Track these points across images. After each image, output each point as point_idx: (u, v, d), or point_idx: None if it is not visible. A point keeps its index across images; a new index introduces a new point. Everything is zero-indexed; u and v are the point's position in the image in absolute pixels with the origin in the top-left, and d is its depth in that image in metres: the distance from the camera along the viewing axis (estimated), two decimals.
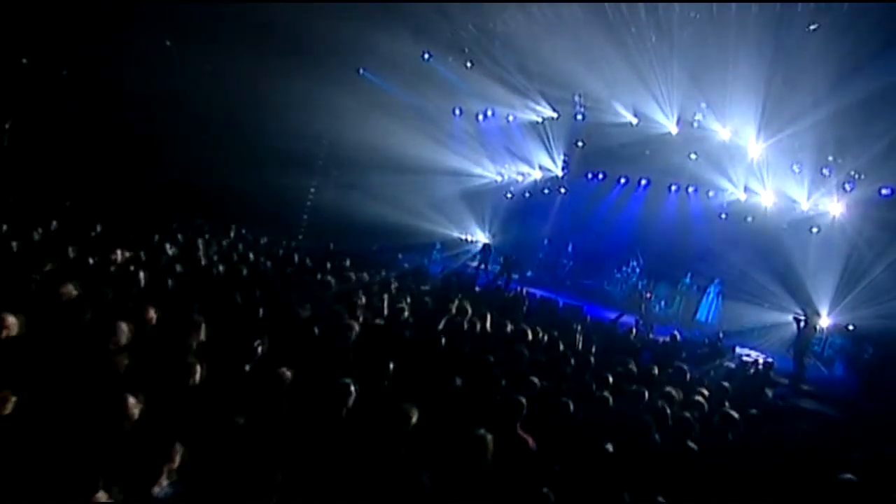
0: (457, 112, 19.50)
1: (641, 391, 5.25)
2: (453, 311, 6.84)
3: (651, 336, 11.53)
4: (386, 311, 6.54)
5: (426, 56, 15.16)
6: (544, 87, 15.60)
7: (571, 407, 4.33)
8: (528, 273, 19.53)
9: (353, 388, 3.69)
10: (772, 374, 9.29)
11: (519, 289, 11.86)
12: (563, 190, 21.54)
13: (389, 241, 18.12)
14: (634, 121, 15.69)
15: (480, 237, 22.41)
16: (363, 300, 6.60)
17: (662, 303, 17.07)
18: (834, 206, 15.35)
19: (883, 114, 12.39)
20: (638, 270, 17.91)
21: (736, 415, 4.93)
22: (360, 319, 5.84)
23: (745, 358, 9.48)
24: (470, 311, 6.94)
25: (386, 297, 7.04)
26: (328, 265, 9.15)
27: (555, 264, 19.02)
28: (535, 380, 4.58)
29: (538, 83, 15.37)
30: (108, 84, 13.26)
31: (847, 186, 14.25)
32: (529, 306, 10.19)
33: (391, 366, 4.45)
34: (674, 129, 15.33)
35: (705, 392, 5.84)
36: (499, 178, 22.25)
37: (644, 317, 12.61)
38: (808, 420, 7.43)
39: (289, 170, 14.97)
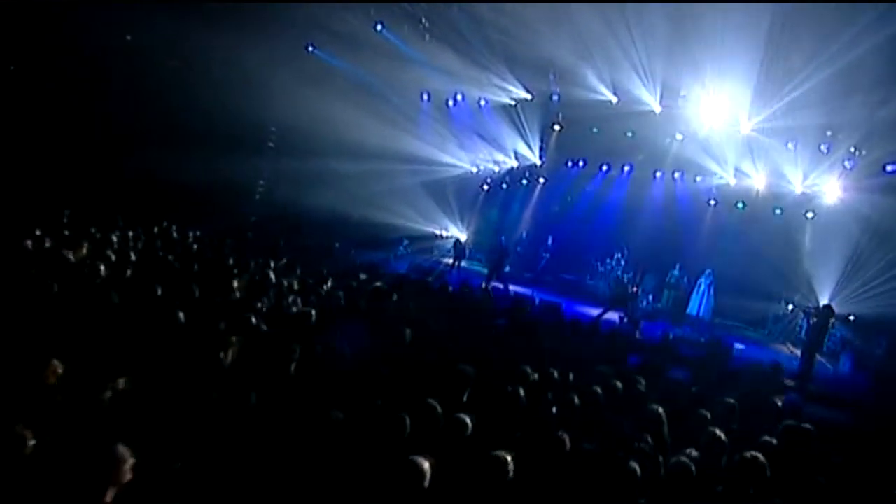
0: (424, 97, 18.03)
1: (620, 422, 3.83)
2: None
3: (638, 336, 10.15)
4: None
5: (379, 27, 13.63)
6: (512, 63, 14.17)
7: (511, 467, 2.82)
8: (506, 269, 18.18)
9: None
10: (781, 377, 7.95)
11: (484, 286, 10.39)
12: (542, 180, 20.26)
13: (352, 236, 16.69)
14: (614, 99, 14.32)
15: (455, 232, 21.02)
16: (267, 304, 5.12)
17: (650, 297, 15.76)
18: (831, 188, 14.12)
19: (887, 82, 11.14)
20: (623, 263, 16.58)
21: (756, 456, 3.50)
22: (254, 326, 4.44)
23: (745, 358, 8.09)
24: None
25: (298, 300, 5.56)
26: (253, 263, 7.61)
27: (533, 259, 17.61)
28: (466, 418, 3.12)
29: (505, 58, 13.93)
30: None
31: (847, 164, 13.00)
32: (495, 307, 8.73)
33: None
34: (657, 108, 13.99)
35: (707, 415, 4.43)
36: (474, 169, 20.85)
37: (630, 314, 11.23)
38: (830, 436, 6.07)
39: (234, 157, 13.36)
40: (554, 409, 3.91)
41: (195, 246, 7.62)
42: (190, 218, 11.68)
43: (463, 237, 21.73)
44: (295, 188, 14.48)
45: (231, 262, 6.88)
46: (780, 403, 6.92)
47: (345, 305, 6.07)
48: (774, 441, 4.07)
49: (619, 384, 4.75)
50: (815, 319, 10.29)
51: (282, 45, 13.02)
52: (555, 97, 15.60)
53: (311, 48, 14.12)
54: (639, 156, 15.94)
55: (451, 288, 9.59)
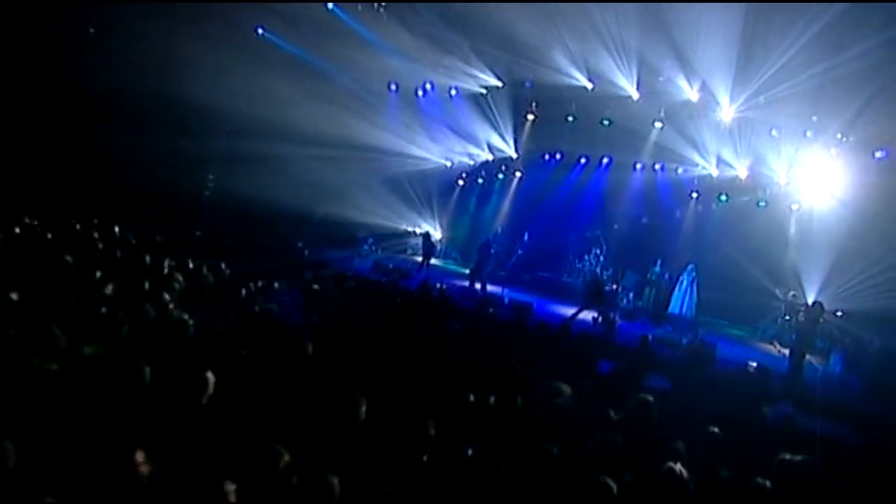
0: (392, 87, 17.03)
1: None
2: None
3: (613, 339, 9.28)
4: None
5: (329, 5, 12.59)
6: (480, 47, 13.23)
7: None
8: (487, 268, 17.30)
9: None
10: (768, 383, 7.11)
11: (439, 286, 9.43)
12: (518, 173, 19.41)
13: (316, 233, 15.69)
14: (589, 85, 13.46)
15: (429, 229, 20.06)
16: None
17: (630, 295, 14.94)
18: (817, 177, 13.42)
19: (875, 63, 10.41)
20: (602, 259, 15.76)
21: None
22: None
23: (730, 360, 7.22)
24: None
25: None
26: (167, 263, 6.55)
27: (509, 256, 16.70)
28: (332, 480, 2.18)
29: (472, 42, 13.01)
30: None
31: (834, 151, 12.29)
32: (453, 308, 7.78)
33: None
34: (634, 94, 13.16)
35: (682, 450, 3.48)
36: (448, 164, 19.92)
37: (604, 313, 10.37)
38: (824, 455, 5.23)
39: (180, 150, 12.24)
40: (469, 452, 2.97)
41: (101, 245, 6.55)
42: (130, 214, 10.61)
43: (438, 235, 20.91)
44: (250, 183, 13.38)
45: (130, 262, 5.84)
46: (768, 415, 6.12)
47: (258, 312, 5.11)
48: (768, 484, 3.19)
49: (569, 407, 3.82)
50: (803, 318, 9.49)
51: (227, 28, 11.94)
52: (527, 84, 14.70)
53: (260, 31, 13.02)
54: (617, 146, 15.07)
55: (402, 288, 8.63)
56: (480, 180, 20.37)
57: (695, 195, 16.43)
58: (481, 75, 14.65)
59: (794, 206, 14.71)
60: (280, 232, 14.12)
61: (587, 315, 10.61)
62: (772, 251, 14.72)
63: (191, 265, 6.28)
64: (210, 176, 13.60)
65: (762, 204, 15.47)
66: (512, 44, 12.81)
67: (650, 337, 8.22)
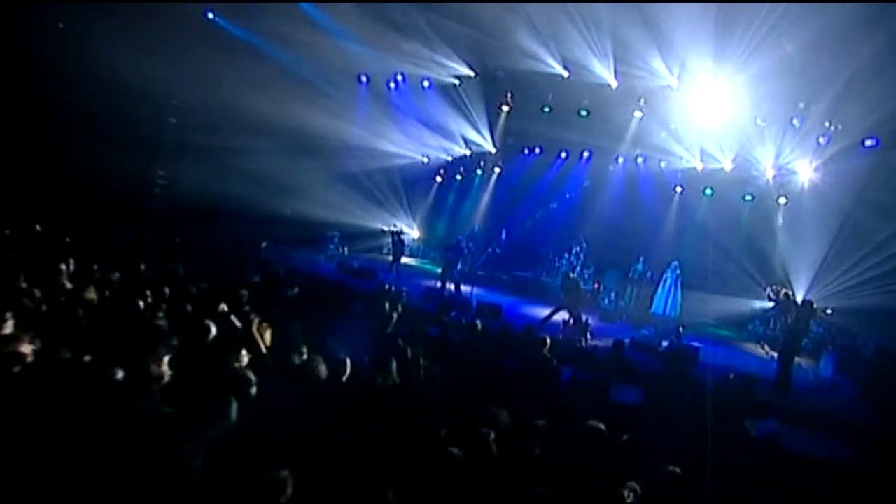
0: (363, 80, 16.17)
1: None
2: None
3: (586, 343, 8.51)
4: None
5: None
6: (447, 31, 12.40)
7: None
8: (459, 268, 16.52)
9: None
10: (753, 394, 6.35)
11: (389, 286, 8.59)
12: (497, 169, 18.64)
13: (282, 233, 14.81)
14: (565, 73, 12.68)
15: (404, 228, 19.23)
16: None
17: (612, 294, 14.20)
18: (805, 169, 12.75)
19: (865, 44, 9.71)
20: (582, 257, 15.01)
21: None
22: None
23: (713, 366, 6.45)
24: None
25: None
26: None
27: (482, 254, 15.90)
28: None
29: (438, 26, 12.17)
30: None
31: (821, 140, 11.59)
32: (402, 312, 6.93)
33: None
34: (613, 81, 12.39)
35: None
36: (424, 160, 19.09)
37: (576, 315, 9.61)
38: (815, 478, 4.51)
39: (125, 145, 11.33)
40: None
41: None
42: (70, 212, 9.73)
43: (415, 233, 20.09)
44: (205, 180, 12.49)
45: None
46: (753, 433, 5.36)
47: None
48: None
49: (493, 443, 2.99)
50: (792, 318, 8.74)
51: (173, 12, 11.01)
52: (500, 73, 13.91)
53: (210, 15, 12.10)
54: (596, 137, 14.32)
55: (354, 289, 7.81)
56: (459, 176, 19.60)
57: (679, 189, 15.76)
58: (452, 64, 13.83)
59: (782, 200, 14.07)
60: (238, 231, 13.23)
61: (561, 317, 9.86)
62: (759, 247, 14.08)
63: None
64: (160, 172, 12.68)
65: (749, 197, 14.83)
66: (482, 31, 12.01)
67: (626, 342, 7.42)
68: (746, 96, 11.52)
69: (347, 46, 13.57)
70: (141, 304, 4.84)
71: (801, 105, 11.10)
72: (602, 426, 3.38)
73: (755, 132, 12.29)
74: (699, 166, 14.59)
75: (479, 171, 19.18)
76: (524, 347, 6.39)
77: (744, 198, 14.75)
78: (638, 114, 13.28)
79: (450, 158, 19.00)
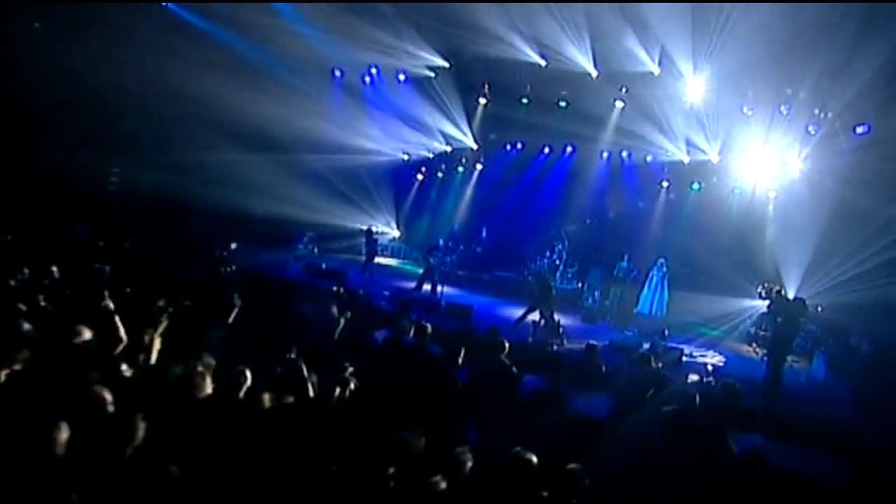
0: (337, 74, 15.52)
1: None
2: None
3: (560, 347, 7.87)
4: None
5: None
6: (417, 19, 11.78)
7: None
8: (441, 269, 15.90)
9: None
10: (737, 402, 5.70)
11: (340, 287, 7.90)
12: (479, 166, 18.03)
13: (253, 233, 14.15)
14: (542, 62, 12.06)
15: (382, 227, 18.57)
16: None
17: (596, 294, 13.56)
18: (794, 160, 12.18)
19: (854, 27, 9.13)
20: (564, 255, 14.38)
21: None
22: None
23: (692, 377, 5.78)
24: None
25: None
26: None
27: (465, 254, 15.24)
28: None
29: (407, 14, 11.54)
30: None
31: (811, 129, 11.01)
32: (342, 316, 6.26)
33: None
34: (592, 70, 11.78)
35: None
36: (404, 157, 18.45)
37: (548, 316, 8.98)
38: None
39: (75, 139, 10.61)
40: None
41: None
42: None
43: (396, 233, 19.46)
44: (167, 178, 11.81)
45: None
46: (735, 449, 4.72)
47: None
48: None
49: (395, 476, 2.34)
50: (782, 318, 8.11)
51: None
52: (475, 62, 13.28)
53: (166, 3, 11.38)
54: (577, 129, 13.71)
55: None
56: (440, 174, 18.99)
57: (665, 184, 15.17)
58: (424, 54, 13.19)
59: (772, 193, 13.51)
60: (205, 230, 12.57)
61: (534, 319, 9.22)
62: (750, 242, 13.52)
63: None
64: (115, 169, 11.97)
65: (737, 191, 14.27)
66: (453, 18, 11.40)
67: (599, 345, 6.77)
68: (731, 84, 10.94)
69: (316, 37, 12.93)
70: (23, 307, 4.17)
71: (789, 91, 10.50)
72: (531, 457, 2.72)
73: (742, 121, 11.71)
74: (685, 159, 14.02)
75: (460, 169, 18.60)
76: (482, 353, 5.75)
77: (733, 191, 14.19)
78: (619, 104, 12.67)
79: (431, 155, 18.41)
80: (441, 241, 13.72)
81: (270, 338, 5.27)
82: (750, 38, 9.49)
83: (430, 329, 5.67)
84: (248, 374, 3.51)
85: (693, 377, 5.46)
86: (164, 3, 11.30)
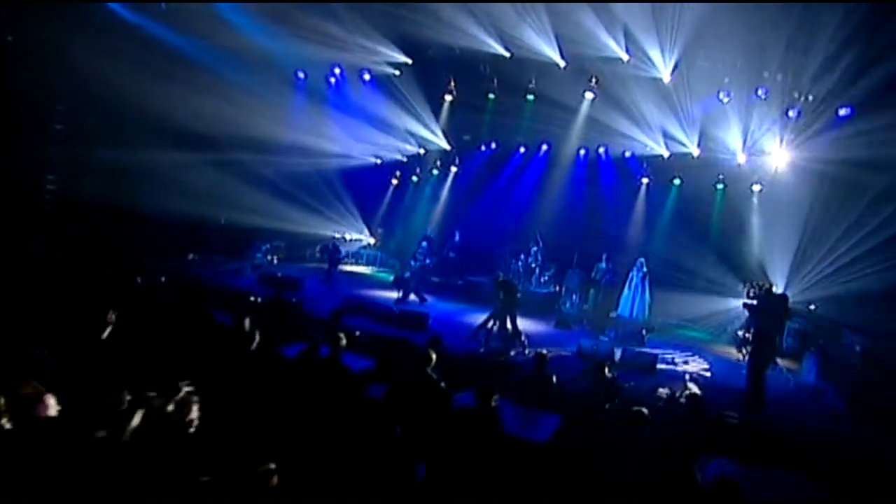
0: (300, 76, 14.82)
1: None
2: None
3: (523, 355, 7.08)
4: None
5: None
6: (371, 15, 11.10)
7: None
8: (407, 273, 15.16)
9: None
10: (703, 413, 4.90)
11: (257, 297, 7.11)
12: (454, 168, 17.33)
13: (210, 243, 13.39)
14: (506, 54, 11.37)
15: (357, 236, 17.82)
16: None
17: (574, 297, 12.78)
18: (777, 150, 11.48)
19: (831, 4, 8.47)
20: (540, 258, 13.61)
21: None
22: None
23: (661, 391, 4.95)
24: None
25: None
26: None
27: (440, 260, 14.45)
28: None
29: (359, 9, 10.86)
30: None
31: (791, 112, 10.31)
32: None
33: None
34: (559, 59, 11.09)
35: None
36: (377, 161, 17.75)
37: (502, 321, 8.18)
38: None
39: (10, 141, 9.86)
40: None
41: None
42: None
43: (371, 240, 18.73)
44: (107, 184, 11.05)
45: None
46: (699, 478, 3.92)
47: None
48: None
49: None
50: (763, 315, 7.32)
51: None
52: (437, 57, 12.57)
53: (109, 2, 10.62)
54: (547, 123, 13.02)
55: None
56: (415, 178, 18.29)
57: (645, 181, 14.45)
58: (384, 50, 12.50)
59: (756, 187, 12.80)
60: (160, 239, 11.83)
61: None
62: (734, 239, 12.80)
63: None
64: (50, 176, 11.20)
65: (720, 186, 13.56)
66: (407, 9, 10.72)
67: (551, 354, 5.96)
68: (704, 69, 10.26)
69: (266, 34, 12.25)
70: None
71: (766, 74, 9.81)
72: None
73: (719, 109, 11.01)
74: (665, 154, 13.32)
75: (435, 172, 17.90)
76: (411, 365, 4.96)
77: (715, 186, 13.48)
78: (589, 95, 11.97)
79: (404, 159, 17.74)
80: (424, 245, 13.09)
81: (154, 357, 4.48)
82: (715, 16, 8.81)
83: (343, 341, 4.88)
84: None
85: (662, 390, 4.68)
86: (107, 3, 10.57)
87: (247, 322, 5.60)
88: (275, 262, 13.93)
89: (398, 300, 11.37)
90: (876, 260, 8.63)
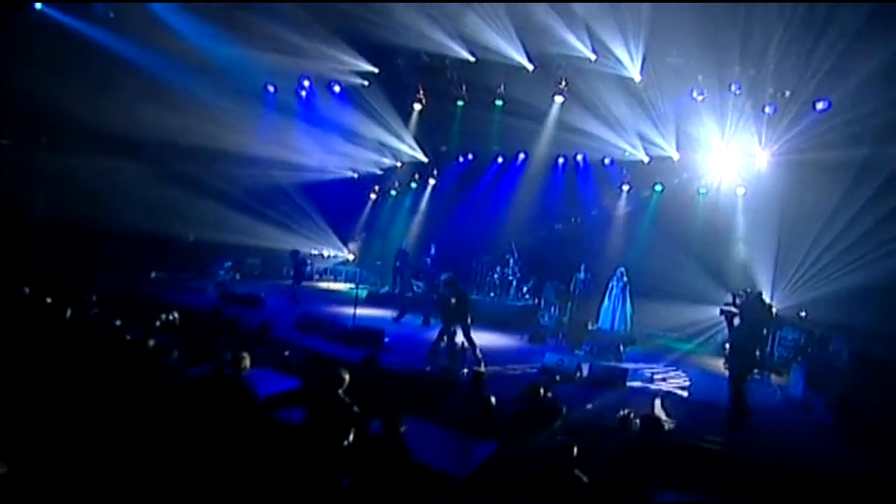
0: (270, 89, 14.46)
1: None
2: None
3: (469, 372, 6.46)
4: None
5: None
6: (334, 25, 10.74)
7: None
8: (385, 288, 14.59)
9: None
10: (656, 438, 4.28)
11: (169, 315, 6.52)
12: (432, 181, 16.90)
13: (174, 260, 12.89)
14: (472, 58, 10.96)
15: (334, 252, 17.32)
16: None
17: (552, 309, 12.16)
18: (757, 150, 10.97)
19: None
20: (517, 270, 13.04)
21: None
22: None
23: (622, 412, 4.32)
24: None
25: None
26: None
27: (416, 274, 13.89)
28: None
29: (319, 16, 10.49)
30: None
31: (767, 109, 9.82)
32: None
33: None
34: (525, 62, 10.66)
35: None
36: (354, 175, 17.34)
37: (451, 338, 7.59)
38: None
39: None
40: None
41: None
42: None
43: (350, 256, 18.22)
44: (70, 202, 10.60)
45: None
46: None
47: None
48: None
49: None
50: (742, 321, 6.68)
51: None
52: (404, 65, 12.19)
53: (38, 5, 10.17)
54: (518, 131, 12.58)
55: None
56: (393, 192, 17.85)
57: (626, 188, 13.94)
58: (349, 59, 12.11)
59: (741, 190, 12.28)
60: (117, 257, 11.33)
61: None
62: (718, 244, 12.23)
63: None
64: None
65: (703, 191, 13.04)
66: (369, 16, 10.35)
67: (482, 369, 5.33)
68: (675, 67, 9.81)
69: (229, 47, 11.89)
70: None
71: (738, 69, 9.34)
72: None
73: (693, 108, 10.54)
74: (645, 159, 12.83)
75: (413, 185, 17.47)
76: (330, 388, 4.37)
77: (699, 192, 12.96)
78: (559, 98, 11.52)
79: (380, 172, 17.33)
80: (428, 261, 12.63)
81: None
82: (678, 12, 8.36)
83: (247, 361, 4.30)
84: None
85: (622, 412, 4.08)
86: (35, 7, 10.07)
87: (151, 342, 5.05)
88: (237, 278, 13.37)
89: (395, 319, 10.94)
90: (866, 252, 8.06)
